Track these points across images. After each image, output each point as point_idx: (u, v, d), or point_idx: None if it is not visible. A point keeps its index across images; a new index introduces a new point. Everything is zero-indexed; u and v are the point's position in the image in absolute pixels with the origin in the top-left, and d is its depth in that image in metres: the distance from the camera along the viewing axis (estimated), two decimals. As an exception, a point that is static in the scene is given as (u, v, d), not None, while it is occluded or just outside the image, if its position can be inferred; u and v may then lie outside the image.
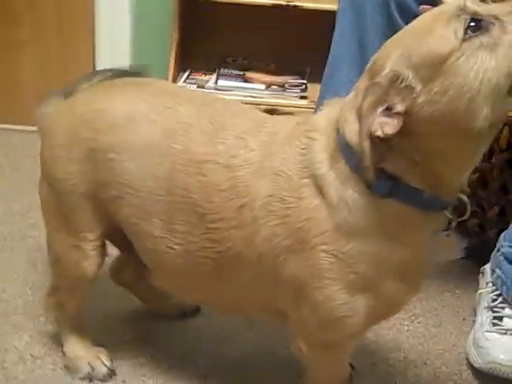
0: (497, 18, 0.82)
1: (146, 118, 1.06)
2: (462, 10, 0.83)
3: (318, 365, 1.11)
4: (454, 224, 0.95)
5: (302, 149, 0.95)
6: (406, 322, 1.52)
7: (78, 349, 1.27)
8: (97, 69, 2.34)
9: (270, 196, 0.95)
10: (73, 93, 1.17)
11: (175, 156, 1.02)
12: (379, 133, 0.83)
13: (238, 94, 1.98)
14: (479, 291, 1.50)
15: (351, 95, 0.92)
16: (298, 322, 1.03)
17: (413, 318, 1.53)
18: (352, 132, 0.89)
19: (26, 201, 1.84)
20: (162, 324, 1.43)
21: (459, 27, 0.81)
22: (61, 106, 1.16)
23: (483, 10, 0.83)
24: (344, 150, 0.91)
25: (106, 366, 1.25)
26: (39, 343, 1.33)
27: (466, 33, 0.81)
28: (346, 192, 0.90)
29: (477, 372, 1.35)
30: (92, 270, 1.17)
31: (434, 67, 0.81)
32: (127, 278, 1.41)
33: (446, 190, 0.90)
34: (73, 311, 1.26)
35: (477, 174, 1.59)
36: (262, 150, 0.99)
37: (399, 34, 0.90)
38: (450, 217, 0.93)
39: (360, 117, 0.86)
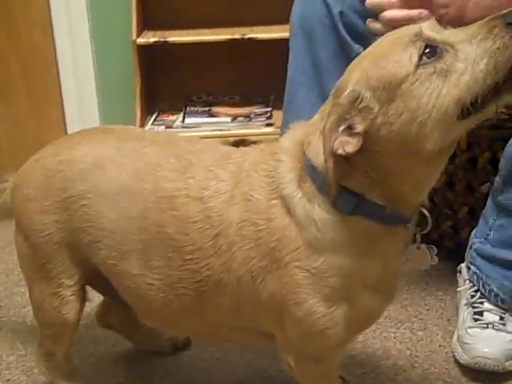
0: (451, 46, 0.86)
1: (114, 162, 1.10)
2: (419, 35, 0.87)
3: (308, 379, 1.13)
4: (418, 237, 1.01)
5: (270, 171, 1.00)
6: (392, 330, 1.55)
7: None
8: (67, 120, 2.39)
9: (242, 221, 0.99)
10: None
11: (146, 195, 1.06)
12: (341, 151, 0.88)
13: (205, 130, 2.04)
14: (458, 289, 1.54)
15: (316, 118, 0.97)
16: (283, 339, 1.06)
17: (399, 324, 1.57)
18: (316, 153, 0.93)
19: (10, 259, 1.88)
20: (155, 360, 1.45)
21: (414, 53, 0.86)
22: (27, 163, 1.20)
23: (439, 36, 0.87)
24: (309, 171, 0.95)
25: None
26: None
27: (420, 59, 0.85)
28: (312, 210, 0.94)
29: (464, 368, 1.38)
30: (73, 316, 1.19)
31: (390, 90, 0.86)
32: (113, 321, 1.43)
33: (406, 205, 0.95)
34: (62, 358, 1.27)
35: (444, 177, 1.64)
36: (231, 179, 1.03)
37: (360, 57, 0.94)
38: (414, 230, 0.99)
39: (323, 136, 0.90)
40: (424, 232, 1.00)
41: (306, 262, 0.95)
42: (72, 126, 2.36)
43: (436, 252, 1.04)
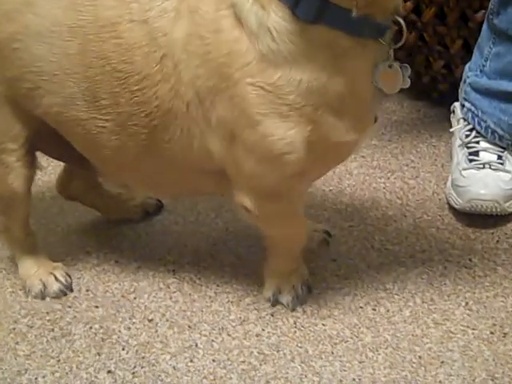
0: None
1: None
2: None
3: (267, 221, 1.04)
4: (391, 52, 0.88)
5: None
6: (382, 180, 1.43)
7: (30, 268, 1.19)
8: None
9: (187, 36, 0.89)
10: None
11: (85, 28, 0.95)
12: None
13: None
14: (451, 129, 1.40)
15: None
16: (236, 172, 0.96)
17: (389, 174, 1.45)
18: None
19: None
20: (124, 228, 1.34)
21: None
22: None
23: None
24: None
25: (59, 281, 1.17)
26: (-5, 270, 1.26)
27: None
28: (267, 18, 0.83)
29: (459, 214, 1.29)
30: (21, 185, 1.08)
31: None
32: (76, 190, 1.31)
33: (377, 9, 0.82)
34: (19, 231, 1.17)
35: (433, 9, 1.47)
36: None
37: None
38: (386, 44, 0.87)
39: None
40: (398, 46, 0.88)
41: (260, 78, 0.84)
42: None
43: (409, 72, 0.91)
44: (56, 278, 1.17)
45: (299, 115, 0.86)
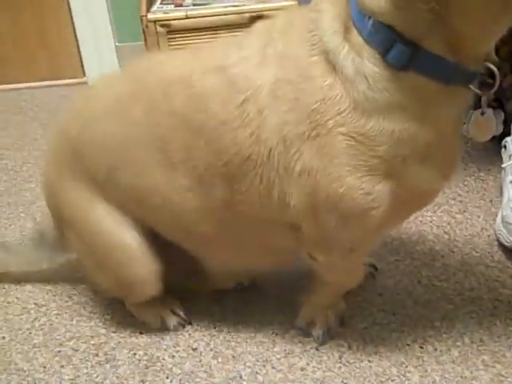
0: None
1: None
2: None
3: (333, 271, 1.01)
4: (484, 99, 0.84)
5: (309, 25, 0.84)
6: (428, 213, 1.41)
7: (145, 310, 1.17)
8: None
9: (276, 81, 0.84)
10: None
11: (148, 90, 0.95)
12: None
13: (218, 6, 1.83)
14: (503, 165, 1.38)
15: None
16: (313, 226, 0.91)
17: (435, 207, 1.43)
18: None
19: (19, 156, 1.78)
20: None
21: None
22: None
23: None
24: (357, 18, 0.80)
25: (177, 314, 1.16)
26: (42, 291, 1.27)
27: None
28: (363, 64, 0.79)
29: (508, 251, 1.26)
30: (149, 277, 1.06)
31: None
32: None
33: (470, 55, 0.78)
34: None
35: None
36: (259, 42, 0.88)
37: None
38: (478, 92, 0.82)
39: None
40: (491, 92, 0.83)
41: (353, 128, 0.80)
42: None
43: (503, 118, 0.87)
44: (174, 312, 1.16)
45: (388, 167, 0.82)
